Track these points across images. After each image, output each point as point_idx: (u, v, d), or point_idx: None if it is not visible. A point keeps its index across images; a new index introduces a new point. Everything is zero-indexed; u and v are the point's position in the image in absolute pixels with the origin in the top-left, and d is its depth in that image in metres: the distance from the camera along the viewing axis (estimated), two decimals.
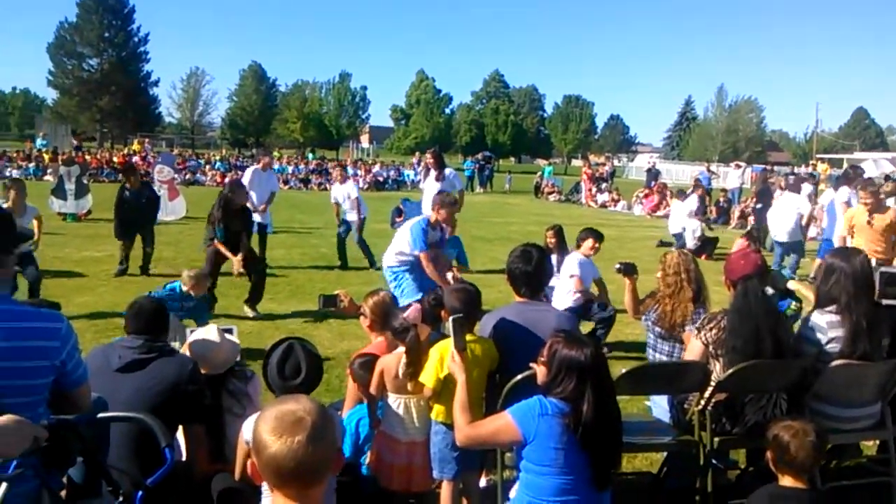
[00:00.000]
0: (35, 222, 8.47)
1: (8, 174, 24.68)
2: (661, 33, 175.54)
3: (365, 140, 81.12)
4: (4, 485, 2.10)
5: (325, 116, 75.36)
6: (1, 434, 1.87)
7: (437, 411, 3.65)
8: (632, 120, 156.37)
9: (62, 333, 2.53)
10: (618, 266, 5.36)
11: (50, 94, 66.93)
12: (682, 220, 15.31)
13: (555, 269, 7.28)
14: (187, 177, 31.41)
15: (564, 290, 7.30)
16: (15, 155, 32.39)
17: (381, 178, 36.49)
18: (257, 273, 8.54)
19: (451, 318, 3.42)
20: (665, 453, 4.38)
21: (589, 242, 7.47)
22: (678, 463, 4.22)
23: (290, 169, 36.01)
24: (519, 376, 3.46)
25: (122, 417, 2.80)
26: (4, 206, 7.84)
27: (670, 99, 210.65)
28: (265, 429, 1.71)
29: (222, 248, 8.21)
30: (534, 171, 43.17)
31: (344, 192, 12.13)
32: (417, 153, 42.02)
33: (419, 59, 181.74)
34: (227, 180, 9.14)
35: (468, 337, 3.56)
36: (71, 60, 61.58)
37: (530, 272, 3.92)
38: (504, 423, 2.94)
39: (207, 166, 35.48)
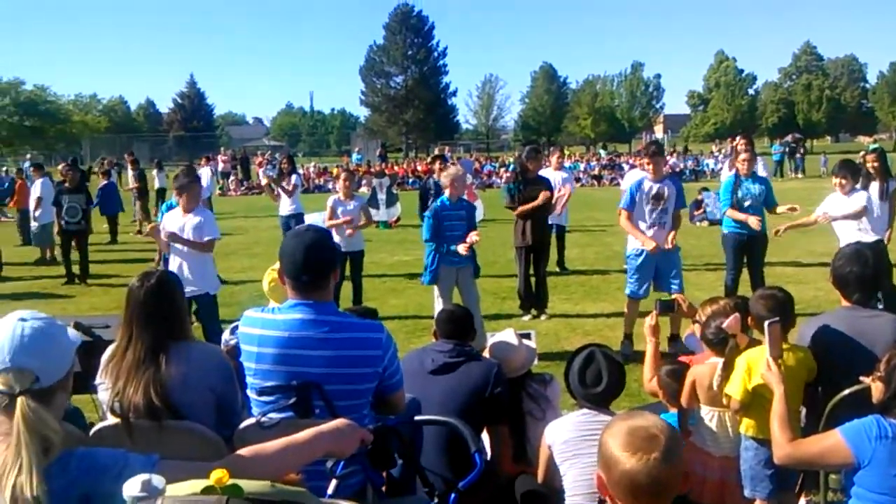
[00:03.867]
0: (362, 214, 9.13)
1: (331, 188, 27.68)
2: None
3: (659, 130, 78.87)
4: (334, 481, 2.31)
5: (616, 110, 74.63)
6: (335, 437, 2.04)
7: (747, 425, 3.39)
8: None
9: (383, 343, 2.73)
10: None
11: (362, 112, 74.26)
12: None
13: (874, 197, 7.51)
14: (484, 180, 32.85)
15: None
16: (335, 170, 36.23)
17: (677, 169, 35.16)
18: (537, 279, 8.54)
19: (766, 324, 3.13)
20: None
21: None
22: None
23: (582, 166, 36.10)
24: (846, 391, 3.10)
25: (436, 421, 2.96)
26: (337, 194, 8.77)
27: None
28: (616, 444, 1.71)
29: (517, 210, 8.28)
30: (855, 151, 38.57)
31: None
32: (717, 140, 39.83)
33: (718, 40, 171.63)
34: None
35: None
36: (380, 80, 67.51)
37: (864, 275, 3.44)
38: (834, 444, 2.62)
39: (502, 169, 36.80)
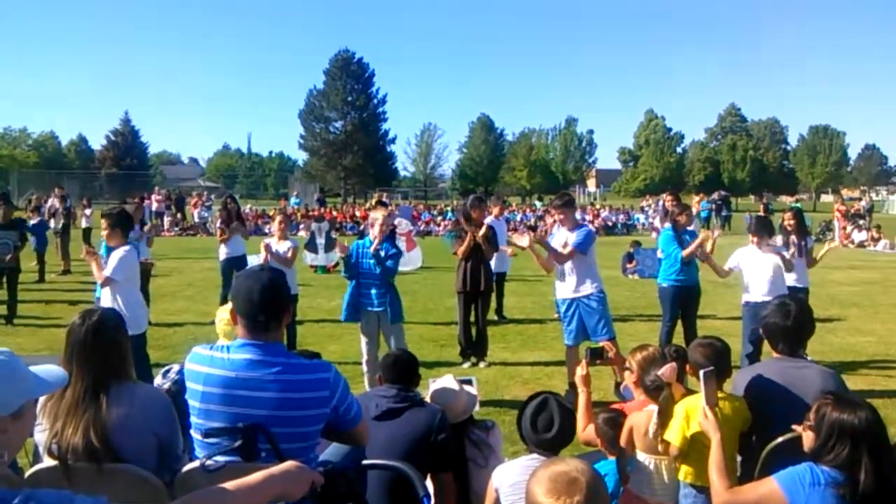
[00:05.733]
0: (291, 252, 9.05)
1: (267, 231, 27.44)
2: None
3: (591, 184, 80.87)
4: None
5: (551, 162, 76.42)
6: (285, 479, 2.00)
7: (686, 472, 3.47)
8: (892, 149, 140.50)
9: (330, 382, 2.70)
10: None
11: (301, 156, 73.99)
12: None
13: (791, 250, 8.01)
14: (422, 228, 33.01)
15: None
16: (272, 212, 35.93)
17: (610, 223, 36.04)
18: (477, 326, 8.65)
19: (701, 373, 3.25)
20: None
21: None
22: None
23: (519, 216, 36.66)
24: (780, 439, 3.21)
25: (384, 465, 2.94)
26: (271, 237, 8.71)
27: None
28: (540, 491, 1.75)
29: (460, 249, 8.48)
30: (778, 210, 40.39)
31: None
32: (648, 195, 41.01)
33: (648, 99, 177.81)
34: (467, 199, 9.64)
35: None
36: (319, 124, 67.57)
37: (788, 327, 3.60)
38: (770, 491, 2.71)
39: (440, 217, 37.09)
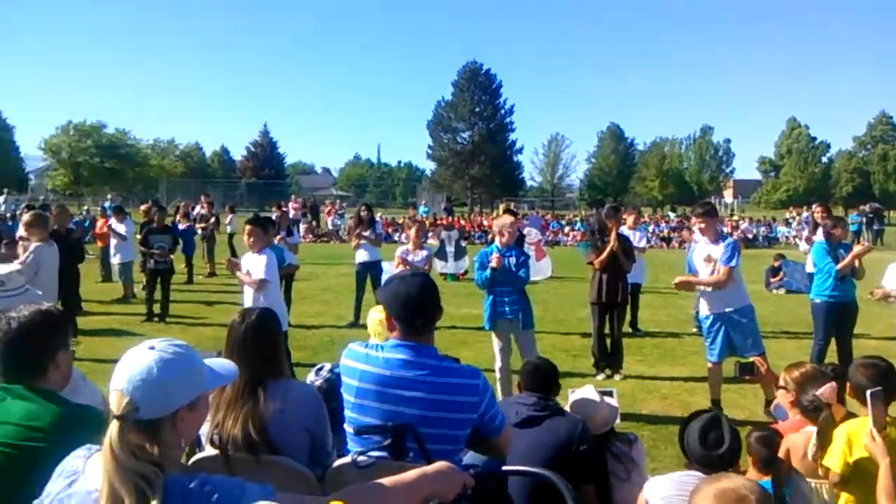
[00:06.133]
0: (427, 263, 9.56)
1: (397, 238, 28.09)
2: None
3: (728, 195, 77.80)
4: None
5: (685, 172, 74.14)
6: (438, 479, 2.01)
7: (846, 500, 3.27)
8: None
9: (480, 389, 2.74)
10: None
11: (428, 166, 75.19)
12: None
13: None
14: (550, 238, 32.78)
15: None
16: (402, 221, 36.73)
17: (750, 235, 34.53)
18: (612, 338, 8.47)
19: (868, 394, 3.04)
20: None
21: None
22: None
23: (651, 227, 35.75)
24: None
25: (532, 473, 2.92)
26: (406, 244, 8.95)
27: None
28: None
29: (597, 259, 8.39)
30: None
31: None
32: (791, 207, 39.00)
33: (789, 107, 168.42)
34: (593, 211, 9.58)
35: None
36: (447, 135, 68.44)
37: None
38: None
39: (567, 227, 36.71)
